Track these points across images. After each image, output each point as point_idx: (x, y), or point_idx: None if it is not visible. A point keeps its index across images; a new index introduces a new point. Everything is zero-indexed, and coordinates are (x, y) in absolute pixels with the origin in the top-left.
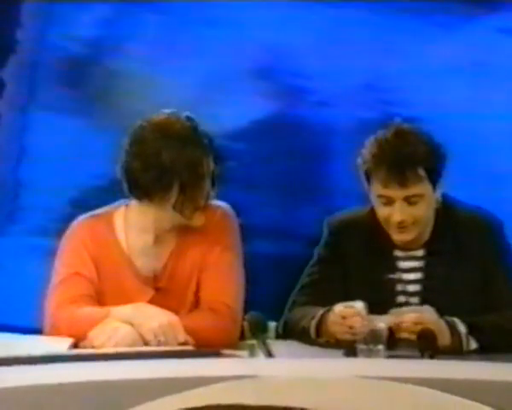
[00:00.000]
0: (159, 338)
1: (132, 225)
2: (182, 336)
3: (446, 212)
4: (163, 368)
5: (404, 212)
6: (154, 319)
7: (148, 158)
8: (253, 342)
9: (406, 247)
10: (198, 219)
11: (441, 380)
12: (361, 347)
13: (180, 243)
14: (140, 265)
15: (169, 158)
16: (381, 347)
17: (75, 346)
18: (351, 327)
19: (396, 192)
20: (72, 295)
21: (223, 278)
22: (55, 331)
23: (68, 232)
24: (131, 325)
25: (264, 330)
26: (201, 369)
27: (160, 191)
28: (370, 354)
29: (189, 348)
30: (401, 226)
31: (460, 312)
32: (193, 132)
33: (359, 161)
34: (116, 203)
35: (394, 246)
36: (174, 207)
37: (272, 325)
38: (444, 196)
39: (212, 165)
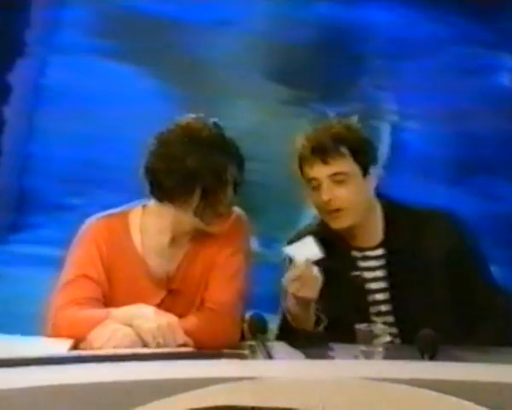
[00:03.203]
0: (157, 340)
1: (149, 226)
2: (181, 338)
3: (398, 211)
4: (162, 370)
5: (330, 191)
6: (153, 320)
7: (172, 161)
8: (253, 343)
9: (359, 246)
10: (217, 226)
11: (441, 381)
12: (361, 348)
13: (194, 245)
14: (154, 266)
15: (194, 163)
16: (380, 348)
17: (75, 347)
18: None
19: (320, 170)
20: (78, 296)
21: (227, 280)
22: (56, 332)
23: (82, 231)
24: (131, 326)
25: (264, 331)
26: (201, 370)
27: (182, 195)
28: (370, 355)
29: (189, 349)
30: (333, 210)
31: (429, 306)
32: (219, 139)
33: (295, 152)
34: (132, 203)
35: (351, 247)
36: (195, 213)
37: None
38: (391, 197)
39: (235, 172)
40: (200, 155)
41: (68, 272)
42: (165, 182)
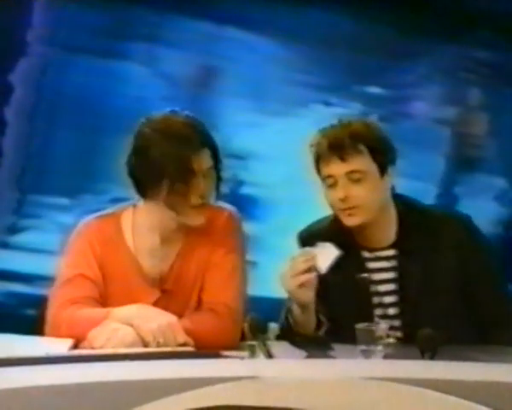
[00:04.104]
0: (158, 339)
1: (140, 226)
2: (181, 338)
3: (412, 212)
4: (162, 369)
5: (346, 189)
6: (153, 320)
7: (140, 153)
8: (254, 343)
9: (371, 246)
10: (195, 219)
11: (441, 381)
12: (361, 348)
13: (186, 244)
14: (146, 266)
15: (157, 153)
16: (380, 347)
17: (75, 347)
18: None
19: (337, 167)
20: (75, 296)
21: (225, 279)
22: (56, 331)
23: (75, 233)
24: (131, 326)
25: (265, 331)
26: (201, 370)
27: (151, 186)
28: (370, 354)
29: (189, 349)
30: (347, 208)
31: (438, 309)
32: (185, 129)
33: (311, 149)
34: (124, 204)
35: (361, 247)
36: (166, 204)
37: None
38: (406, 198)
39: (207, 163)
40: (162, 145)
41: (65, 272)
42: (136, 174)
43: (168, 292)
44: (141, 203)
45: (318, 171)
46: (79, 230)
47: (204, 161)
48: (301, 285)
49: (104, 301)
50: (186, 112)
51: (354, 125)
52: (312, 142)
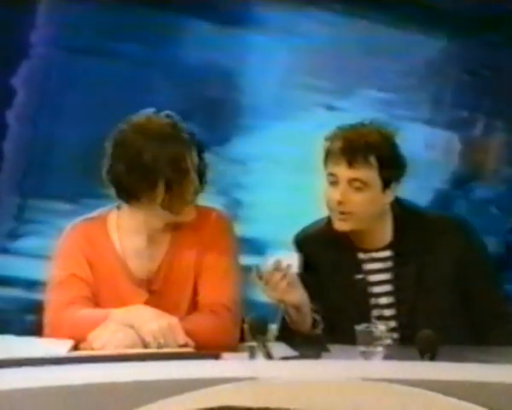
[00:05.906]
0: (158, 340)
1: (125, 228)
2: (182, 339)
3: (408, 214)
4: (163, 370)
5: (345, 193)
6: (153, 321)
7: (130, 160)
8: (253, 344)
9: (366, 247)
10: (187, 215)
11: (441, 382)
12: (361, 349)
13: (174, 244)
14: (134, 267)
15: (150, 157)
16: (380, 349)
17: (75, 348)
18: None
19: (343, 171)
20: (70, 296)
21: (220, 280)
22: (55, 333)
23: (63, 236)
24: (131, 327)
25: (264, 332)
26: (201, 371)
27: (146, 191)
28: (370, 355)
29: (189, 350)
30: (341, 212)
31: (434, 310)
32: (172, 129)
33: (324, 142)
34: (109, 206)
35: (357, 249)
36: (162, 206)
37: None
38: (402, 200)
39: (195, 159)
40: (154, 148)
41: (56, 274)
42: (126, 182)
43: (156, 293)
44: (124, 205)
45: (325, 164)
46: (67, 233)
47: (193, 158)
48: (285, 291)
49: (95, 301)
50: (165, 111)
51: (372, 136)
52: (328, 136)
